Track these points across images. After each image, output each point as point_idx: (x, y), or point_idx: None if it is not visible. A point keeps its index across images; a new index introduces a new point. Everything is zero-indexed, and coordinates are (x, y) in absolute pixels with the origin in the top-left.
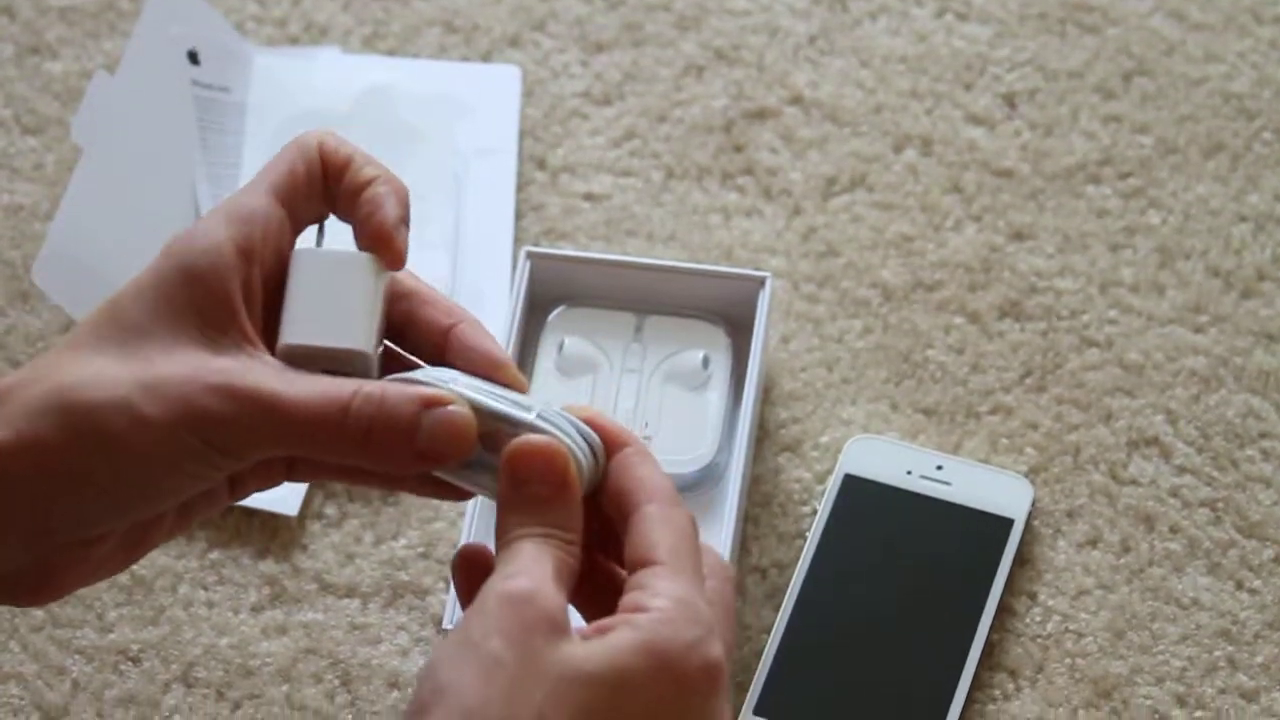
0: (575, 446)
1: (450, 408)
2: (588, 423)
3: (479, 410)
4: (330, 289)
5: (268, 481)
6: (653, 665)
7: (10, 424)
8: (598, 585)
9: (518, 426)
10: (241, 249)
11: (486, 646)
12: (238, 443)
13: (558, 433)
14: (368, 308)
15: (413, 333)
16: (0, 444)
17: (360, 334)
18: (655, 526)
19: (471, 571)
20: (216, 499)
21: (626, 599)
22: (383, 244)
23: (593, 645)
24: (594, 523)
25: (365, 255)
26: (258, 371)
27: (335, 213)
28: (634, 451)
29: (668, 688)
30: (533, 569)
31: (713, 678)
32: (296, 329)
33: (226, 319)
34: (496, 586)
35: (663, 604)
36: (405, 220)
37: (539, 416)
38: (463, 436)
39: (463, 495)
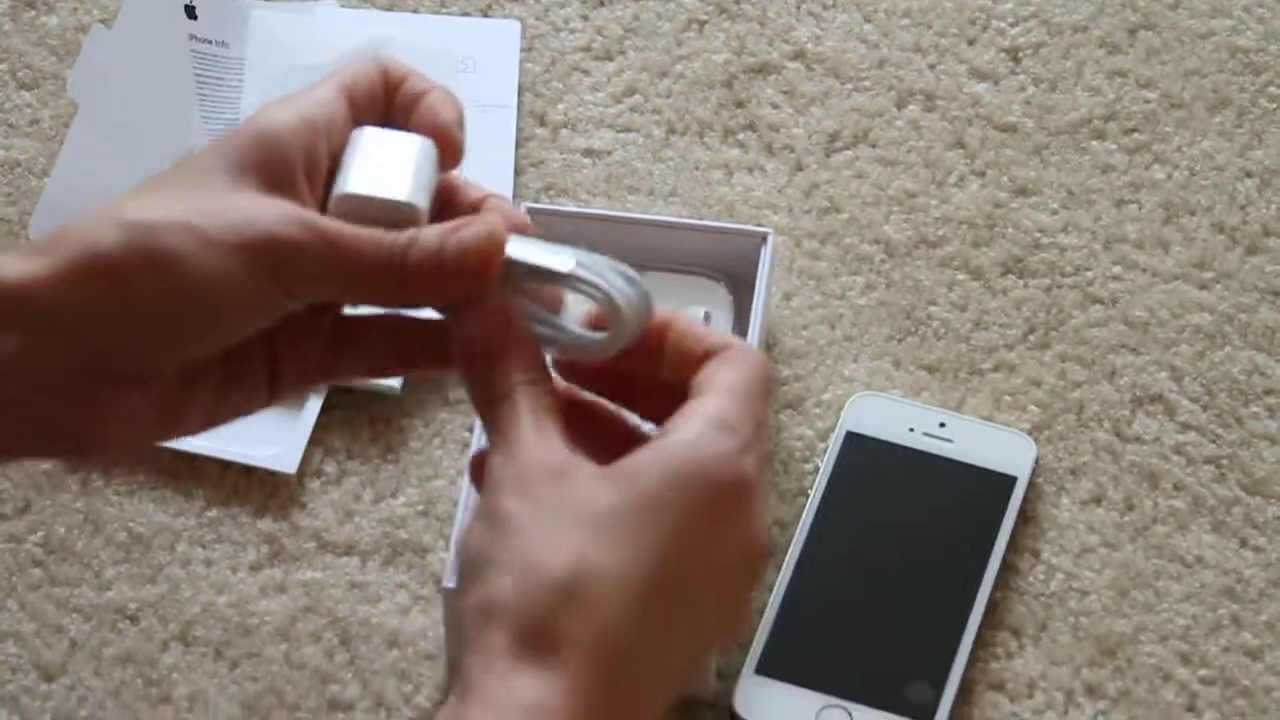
0: (617, 291)
1: (474, 227)
2: None
3: (514, 263)
4: (387, 154)
5: (306, 378)
6: (679, 483)
7: (63, 252)
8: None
9: (556, 279)
10: (308, 124)
11: (503, 511)
12: (297, 273)
13: (599, 280)
14: (423, 172)
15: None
16: (52, 272)
17: (414, 190)
18: (721, 367)
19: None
20: (255, 393)
21: (663, 426)
22: (442, 138)
23: (617, 473)
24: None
25: (424, 138)
26: (323, 219)
27: (392, 121)
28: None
29: (698, 504)
30: (509, 430)
31: (743, 490)
32: (352, 180)
33: (286, 180)
34: (488, 463)
35: (698, 422)
36: (461, 124)
37: (579, 265)
38: (487, 247)
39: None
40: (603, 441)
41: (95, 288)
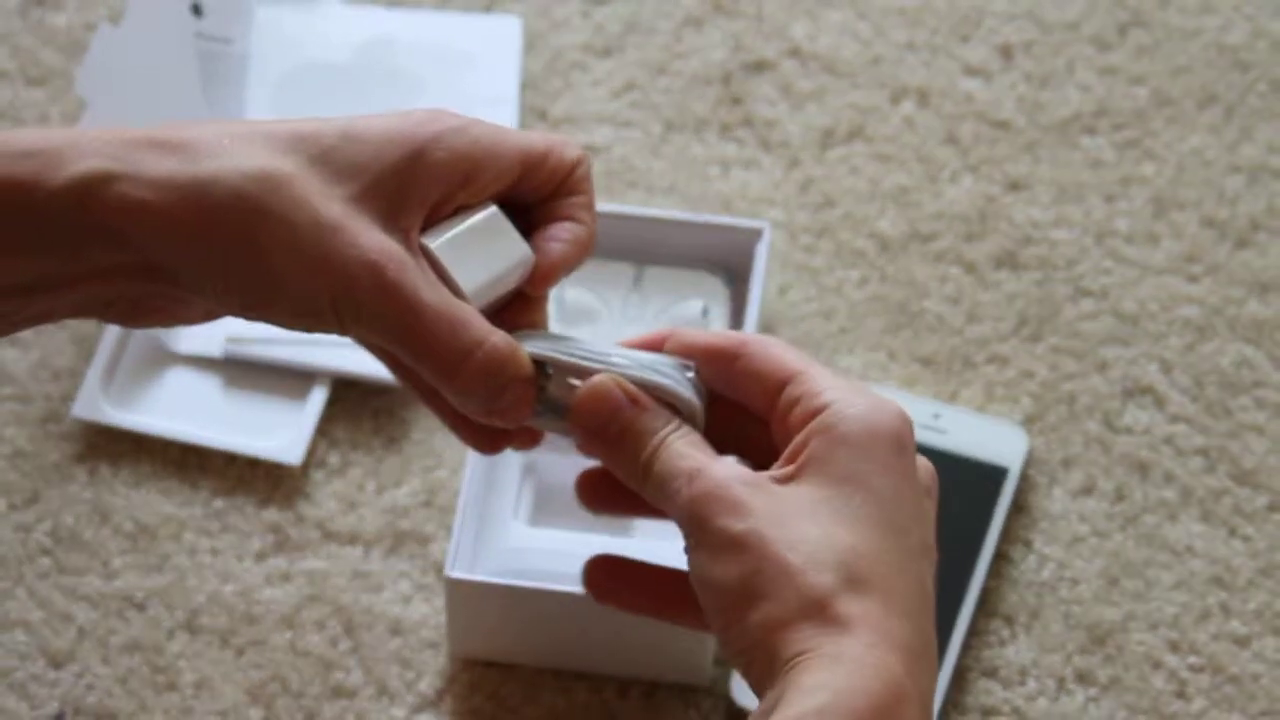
0: (667, 380)
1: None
2: (685, 350)
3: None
4: (491, 244)
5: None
6: (856, 449)
7: (190, 185)
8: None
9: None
10: (469, 163)
11: (735, 536)
12: (356, 315)
13: (669, 384)
14: (503, 281)
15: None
16: (171, 205)
17: (480, 290)
18: (816, 377)
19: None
20: None
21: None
22: (547, 267)
23: (801, 471)
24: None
25: (529, 252)
26: (411, 270)
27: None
28: (758, 340)
29: (879, 450)
30: (680, 471)
31: (907, 432)
32: (442, 240)
33: (415, 209)
34: (682, 497)
35: (829, 396)
36: (570, 268)
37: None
38: (522, 406)
39: (534, 440)
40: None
41: (215, 244)
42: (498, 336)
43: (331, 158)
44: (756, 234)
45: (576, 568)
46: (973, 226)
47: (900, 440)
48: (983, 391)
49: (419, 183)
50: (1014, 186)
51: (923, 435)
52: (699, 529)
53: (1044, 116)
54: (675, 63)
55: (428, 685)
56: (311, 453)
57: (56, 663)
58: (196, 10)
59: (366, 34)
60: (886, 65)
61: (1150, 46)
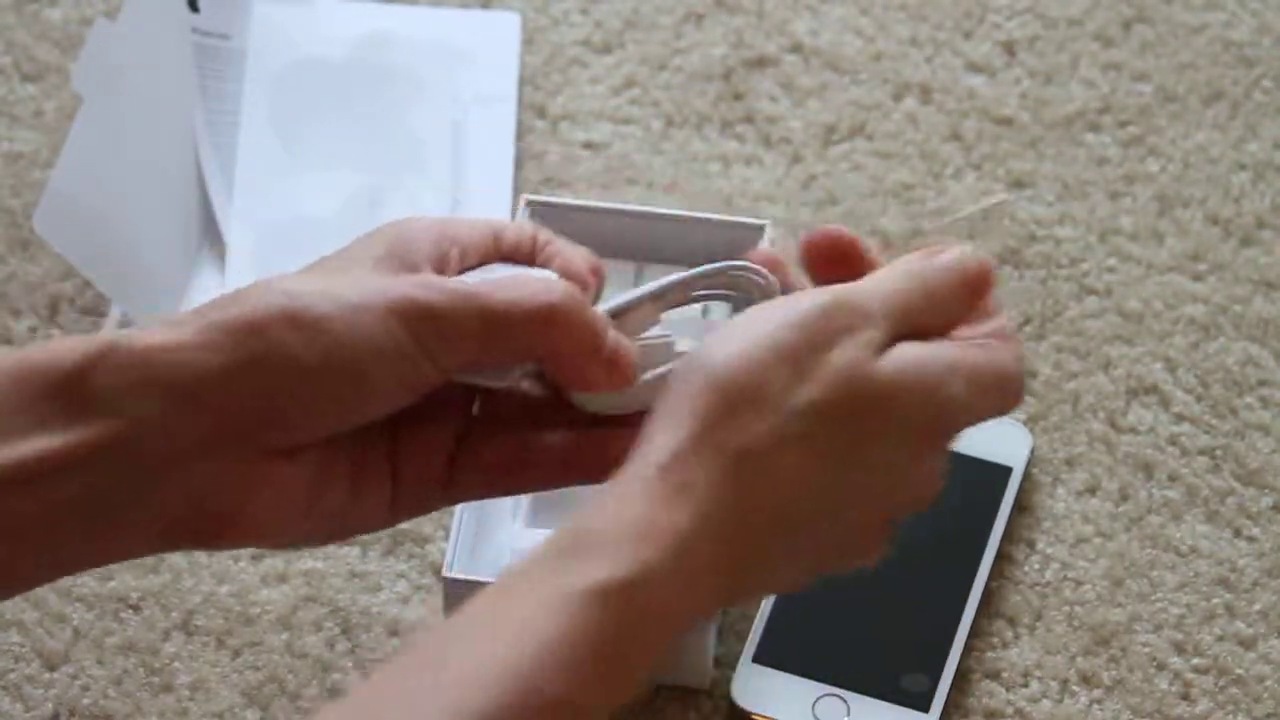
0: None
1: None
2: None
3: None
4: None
5: (426, 492)
6: (909, 396)
7: (207, 318)
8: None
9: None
10: (444, 230)
11: (782, 335)
12: (435, 330)
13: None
14: None
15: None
16: (195, 335)
17: None
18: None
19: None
20: (378, 502)
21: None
22: (572, 274)
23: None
24: None
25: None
26: (450, 279)
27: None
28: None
29: (912, 415)
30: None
31: (949, 422)
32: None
33: (415, 267)
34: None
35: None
36: (592, 271)
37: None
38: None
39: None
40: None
41: (240, 349)
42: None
43: (328, 263)
44: (758, 231)
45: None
46: (976, 224)
47: (929, 420)
48: None
49: (410, 243)
50: (1017, 184)
51: None
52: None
53: (1048, 113)
54: (676, 59)
55: None
56: None
57: (51, 664)
58: (193, 5)
59: (364, 30)
60: (889, 61)
61: (1155, 42)
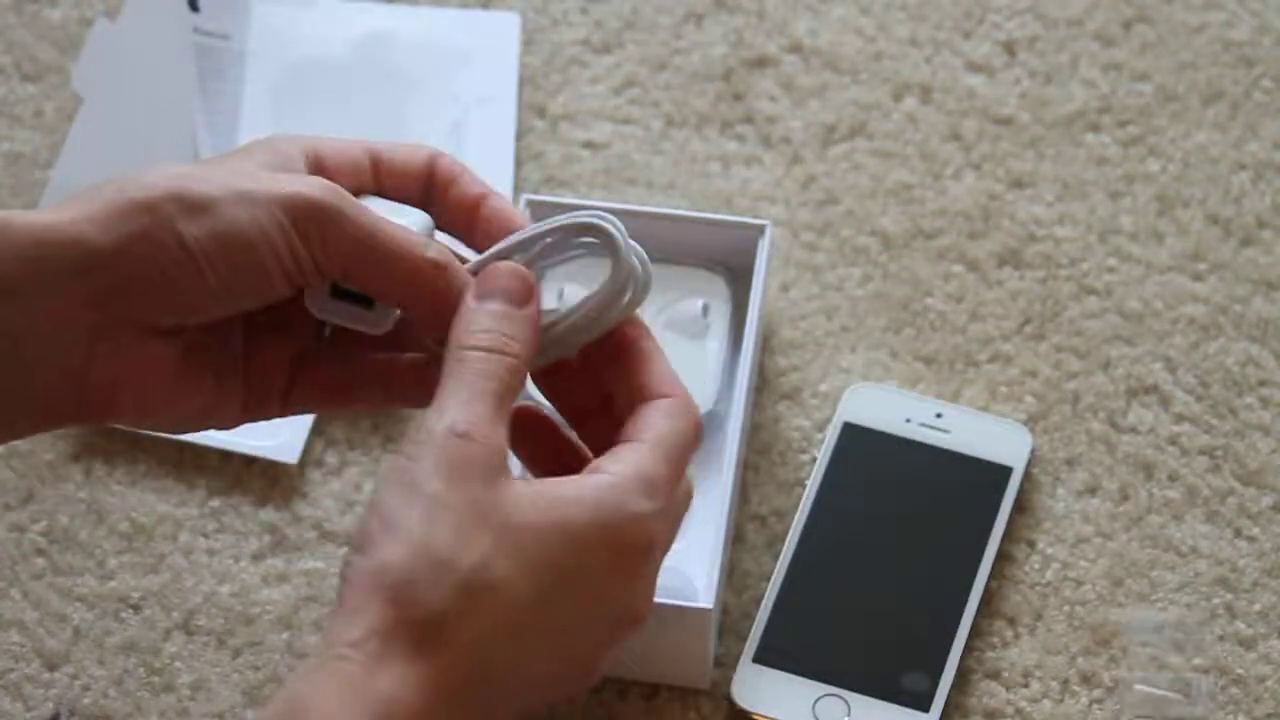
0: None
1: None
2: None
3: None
4: (390, 214)
5: (268, 396)
6: (601, 523)
7: (95, 200)
8: (553, 447)
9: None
10: (319, 145)
11: (429, 488)
12: (325, 234)
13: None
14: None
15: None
16: (83, 214)
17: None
18: (660, 415)
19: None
20: (232, 406)
21: (600, 462)
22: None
23: (541, 495)
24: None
25: (425, 215)
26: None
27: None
28: (654, 345)
29: (603, 552)
30: (473, 403)
31: (647, 555)
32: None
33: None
34: (436, 424)
35: (624, 470)
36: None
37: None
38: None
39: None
40: (540, 447)
41: (129, 226)
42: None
43: (215, 160)
44: (758, 231)
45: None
46: (976, 224)
47: (622, 551)
48: (986, 390)
49: (286, 152)
50: (1017, 184)
51: (925, 434)
52: (419, 453)
53: (1047, 113)
54: (676, 59)
55: None
56: (309, 452)
57: (51, 664)
58: (194, 5)
59: (364, 30)
60: (889, 61)
61: (1155, 42)
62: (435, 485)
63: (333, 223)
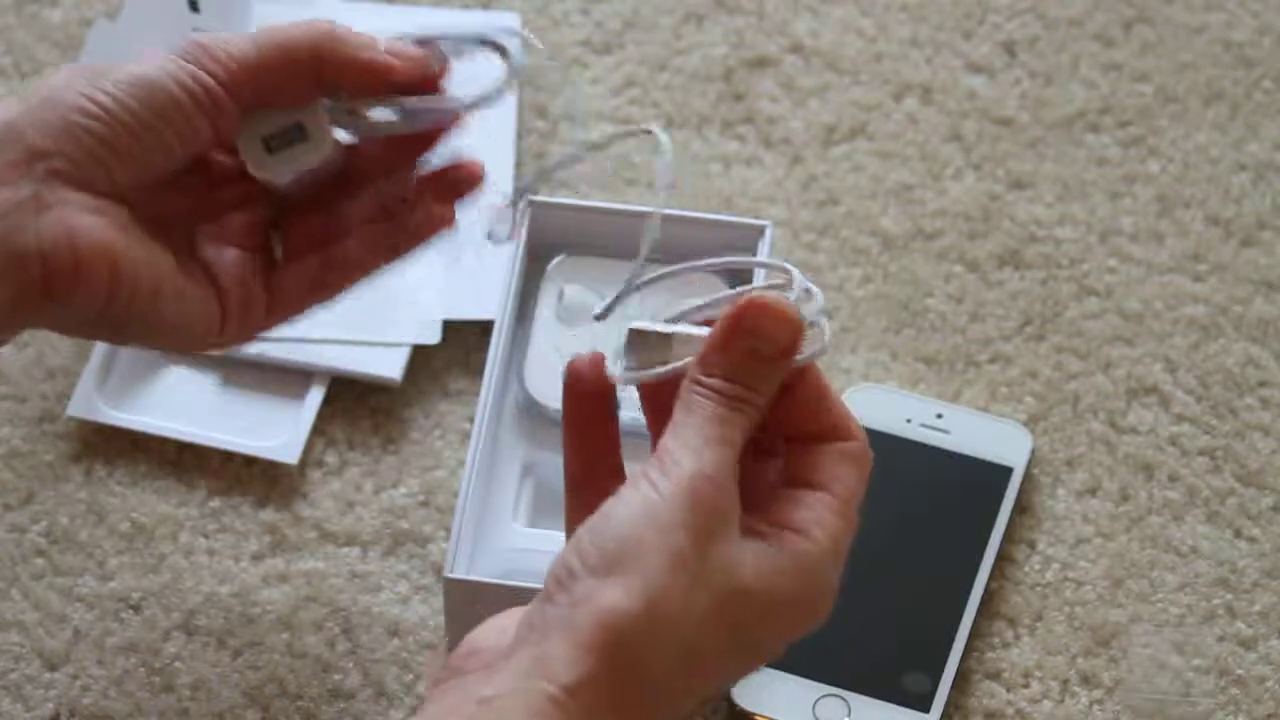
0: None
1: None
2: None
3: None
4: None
5: (251, 305)
6: (800, 595)
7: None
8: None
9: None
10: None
11: (674, 538)
12: (214, 55)
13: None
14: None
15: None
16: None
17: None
18: (847, 464)
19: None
20: (203, 292)
21: (797, 514)
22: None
23: (759, 558)
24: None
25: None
26: None
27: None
28: (826, 380)
29: (799, 617)
30: (722, 452)
31: (820, 620)
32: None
33: None
34: (690, 466)
35: (824, 540)
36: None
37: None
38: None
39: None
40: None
41: (37, 95)
42: None
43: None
44: (758, 232)
45: None
46: (976, 225)
47: (812, 614)
48: (986, 391)
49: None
50: (1017, 184)
51: (926, 435)
52: (669, 502)
53: (1048, 114)
54: (676, 59)
55: (426, 687)
56: (309, 452)
57: (52, 664)
58: (194, 6)
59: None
60: (889, 62)
61: (1155, 43)
62: (681, 536)
63: (214, 44)
